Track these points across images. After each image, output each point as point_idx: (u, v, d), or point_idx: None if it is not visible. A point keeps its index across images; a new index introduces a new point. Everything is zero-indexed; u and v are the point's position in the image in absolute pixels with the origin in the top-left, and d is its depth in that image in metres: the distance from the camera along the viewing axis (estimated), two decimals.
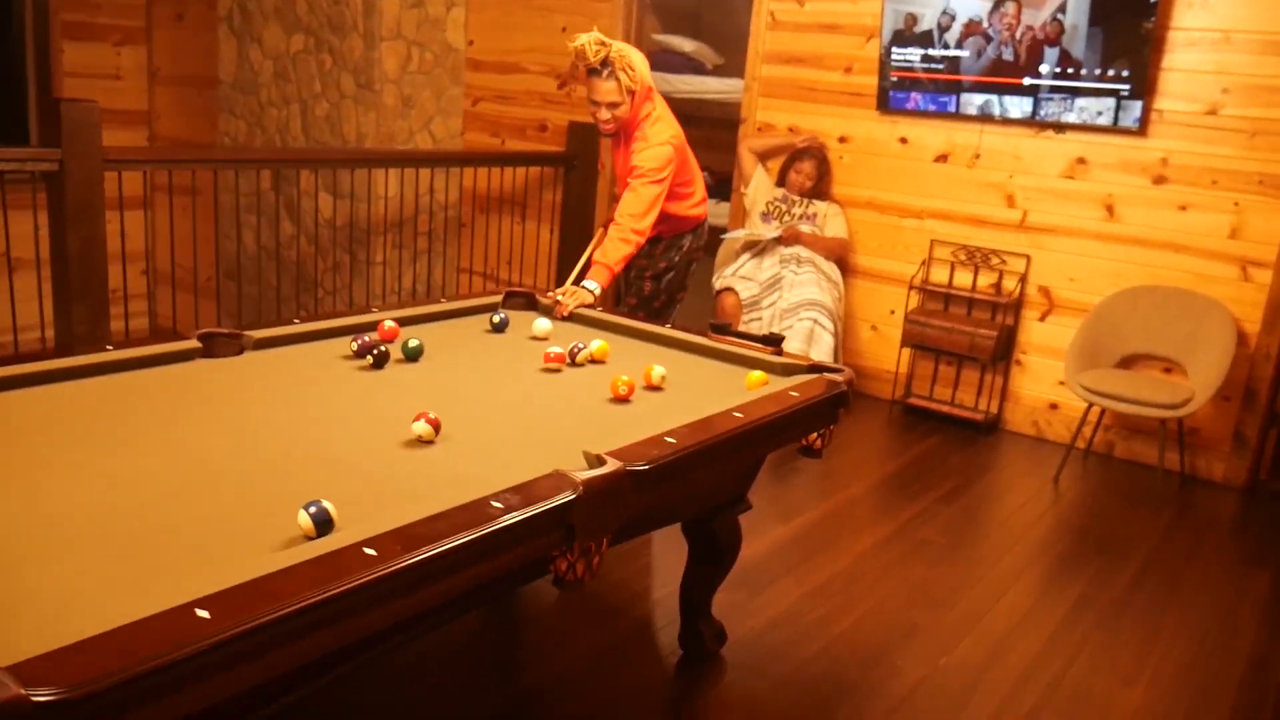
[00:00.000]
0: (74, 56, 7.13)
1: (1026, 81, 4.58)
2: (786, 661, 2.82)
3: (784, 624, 3.01)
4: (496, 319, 2.92)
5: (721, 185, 8.54)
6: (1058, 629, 3.12)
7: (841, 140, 5.20)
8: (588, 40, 3.48)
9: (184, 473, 1.79)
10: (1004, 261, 4.84)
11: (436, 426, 2.01)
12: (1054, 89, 4.52)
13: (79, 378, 2.18)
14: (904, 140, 5.03)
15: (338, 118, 6.14)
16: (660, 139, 3.61)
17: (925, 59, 4.82)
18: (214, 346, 2.46)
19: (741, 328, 4.75)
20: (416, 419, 2.01)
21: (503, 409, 2.27)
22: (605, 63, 3.47)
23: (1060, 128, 4.59)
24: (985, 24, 4.62)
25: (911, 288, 4.99)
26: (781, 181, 5.18)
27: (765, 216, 5.08)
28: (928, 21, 4.77)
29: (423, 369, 2.51)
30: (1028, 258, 4.78)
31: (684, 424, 2.14)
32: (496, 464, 1.93)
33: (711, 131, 8.51)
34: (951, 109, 4.82)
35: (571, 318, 3.10)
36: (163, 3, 7.67)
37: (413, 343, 2.54)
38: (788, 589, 3.21)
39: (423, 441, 2.01)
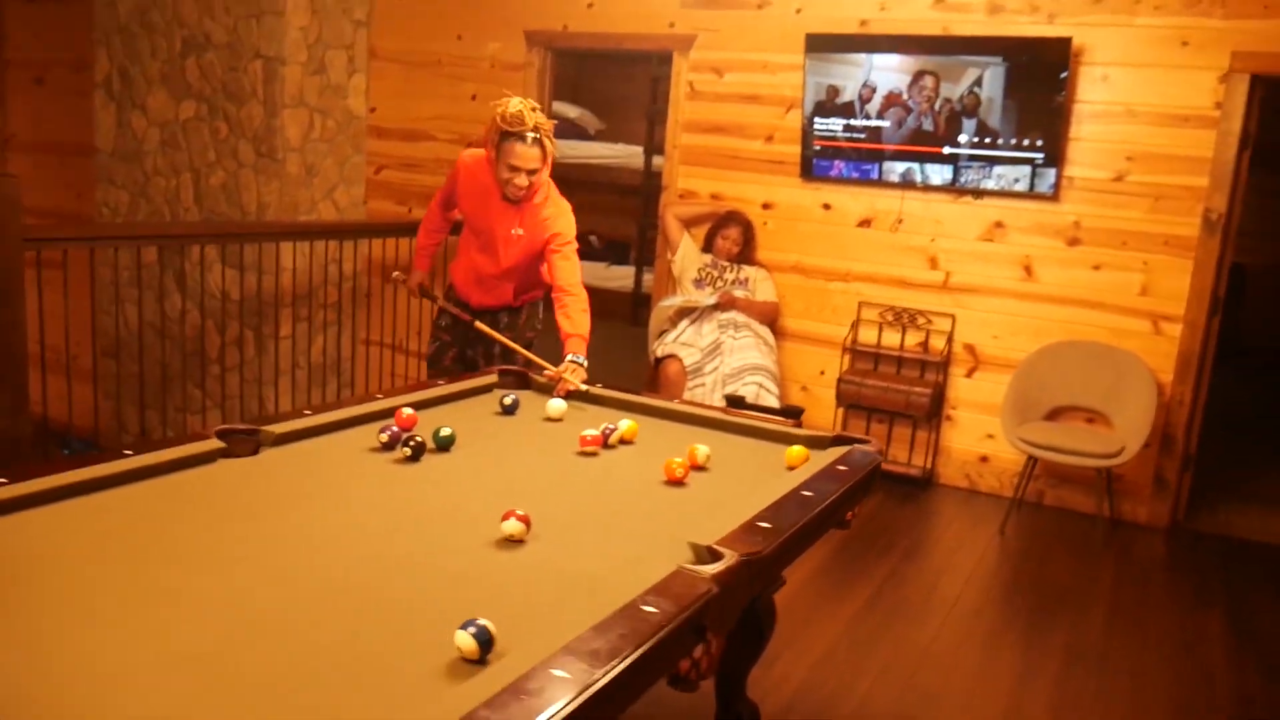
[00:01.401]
0: None
1: (946, 150, 4.81)
2: None
3: (805, 698, 2.98)
4: (508, 401, 2.81)
5: (611, 249, 8.62)
6: (1058, 680, 3.20)
7: (765, 206, 5.31)
8: (523, 105, 3.47)
9: (285, 593, 1.62)
10: (930, 321, 5.02)
11: (528, 524, 1.90)
12: (972, 157, 4.76)
13: (105, 489, 1.96)
14: (827, 206, 5.17)
15: (235, 187, 5.85)
16: (567, 206, 3.71)
17: (847, 129, 4.99)
18: (232, 445, 2.27)
19: (686, 395, 4.75)
20: (506, 517, 1.90)
21: (570, 499, 2.17)
22: (534, 129, 3.46)
23: (979, 194, 4.83)
24: (905, 96, 4.84)
25: (845, 349, 5.11)
26: (708, 248, 5.23)
27: (698, 283, 5.11)
28: (849, 93, 4.95)
29: (460, 459, 2.38)
30: (953, 317, 4.97)
31: (764, 508, 2.09)
32: (600, 560, 1.85)
33: (596, 195, 8.58)
34: (874, 176, 5.00)
35: (568, 395, 3.01)
36: (18, 66, 7.19)
37: (444, 431, 2.41)
38: (795, 661, 3.18)
39: (513, 540, 1.89)
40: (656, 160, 7.88)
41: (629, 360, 6.82)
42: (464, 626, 1.45)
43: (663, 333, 5.16)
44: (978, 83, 4.68)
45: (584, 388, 2.99)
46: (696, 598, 1.66)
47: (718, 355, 4.85)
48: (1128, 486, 4.74)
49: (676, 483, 2.32)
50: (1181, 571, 4.28)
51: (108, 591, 1.56)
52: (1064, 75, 4.50)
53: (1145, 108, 4.51)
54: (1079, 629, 3.60)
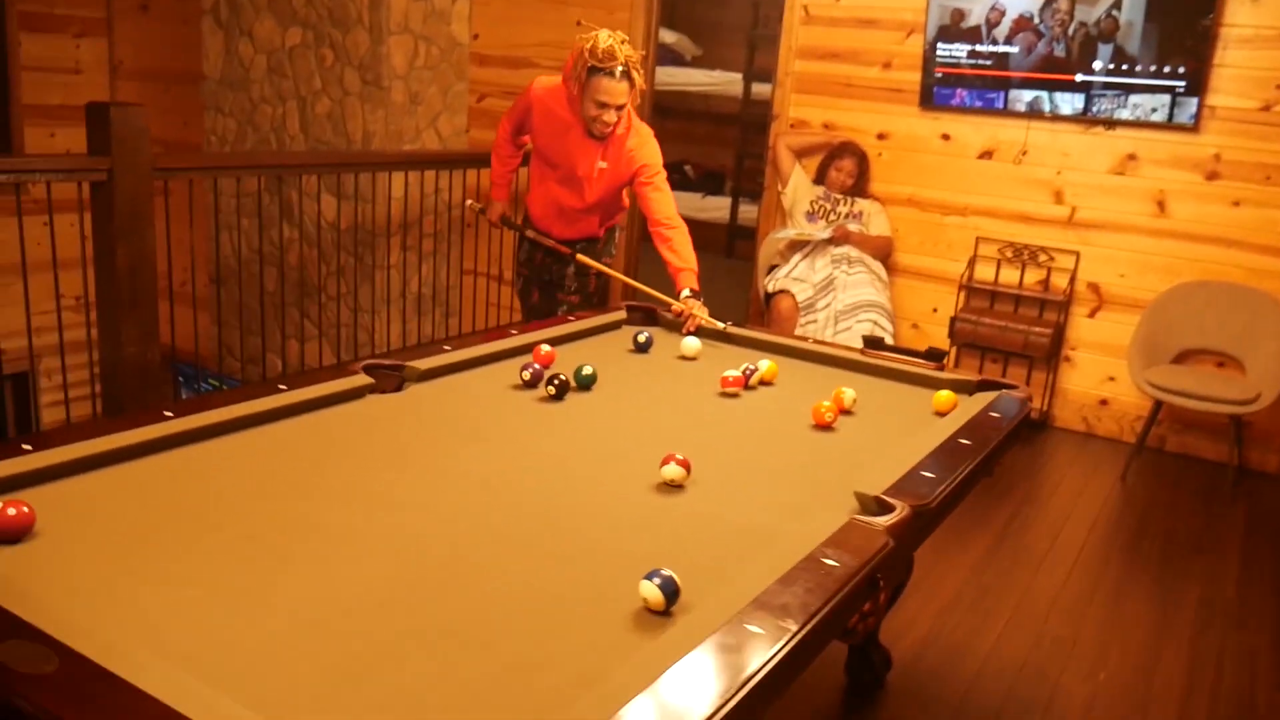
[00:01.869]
0: (30, 49, 6.68)
1: (1079, 78, 4.57)
2: (952, 686, 2.74)
3: (933, 645, 2.93)
4: (642, 338, 2.77)
5: (707, 179, 8.47)
6: (1194, 635, 3.11)
7: (880, 137, 5.13)
8: (614, 40, 3.36)
9: (461, 536, 1.61)
10: (1052, 258, 4.83)
11: (688, 468, 1.87)
12: (1107, 85, 4.52)
13: (265, 423, 1.97)
14: (946, 136, 4.98)
15: (341, 115, 5.85)
16: (649, 133, 3.62)
17: (972, 55, 4.77)
18: (379, 380, 2.27)
19: (798, 330, 4.66)
20: (666, 462, 1.86)
21: (721, 442, 2.12)
22: (624, 62, 3.35)
23: (1111, 124, 4.60)
24: (1036, 20, 4.60)
25: (961, 286, 4.95)
26: (820, 179, 5.09)
27: (810, 216, 4.99)
28: (975, 17, 4.72)
29: (602, 398, 2.35)
30: (1077, 254, 4.78)
31: (923, 456, 2.03)
32: (766, 508, 1.81)
33: (690, 124, 8.43)
34: (999, 105, 4.78)
35: (698, 331, 2.95)
36: None
37: (586, 370, 2.38)
38: (921, 608, 3.12)
39: (674, 485, 1.86)
40: (756, 87, 7.69)
41: (727, 293, 6.73)
42: (649, 577, 1.42)
43: (773, 267, 5.06)
44: (1116, 5, 4.41)
45: (717, 324, 2.92)
46: (875, 551, 1.61)
47: (831, 291, 4.74)
48: (1257, 434, 4.55)
49: (825, 427, 2.26)
50: None
51: (284, 530, 1.57)
52: None
53: None
54: (1212, 581, 3.49)
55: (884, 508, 1.78)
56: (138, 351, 3.59)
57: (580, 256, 3.74)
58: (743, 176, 8.11)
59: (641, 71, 3.42)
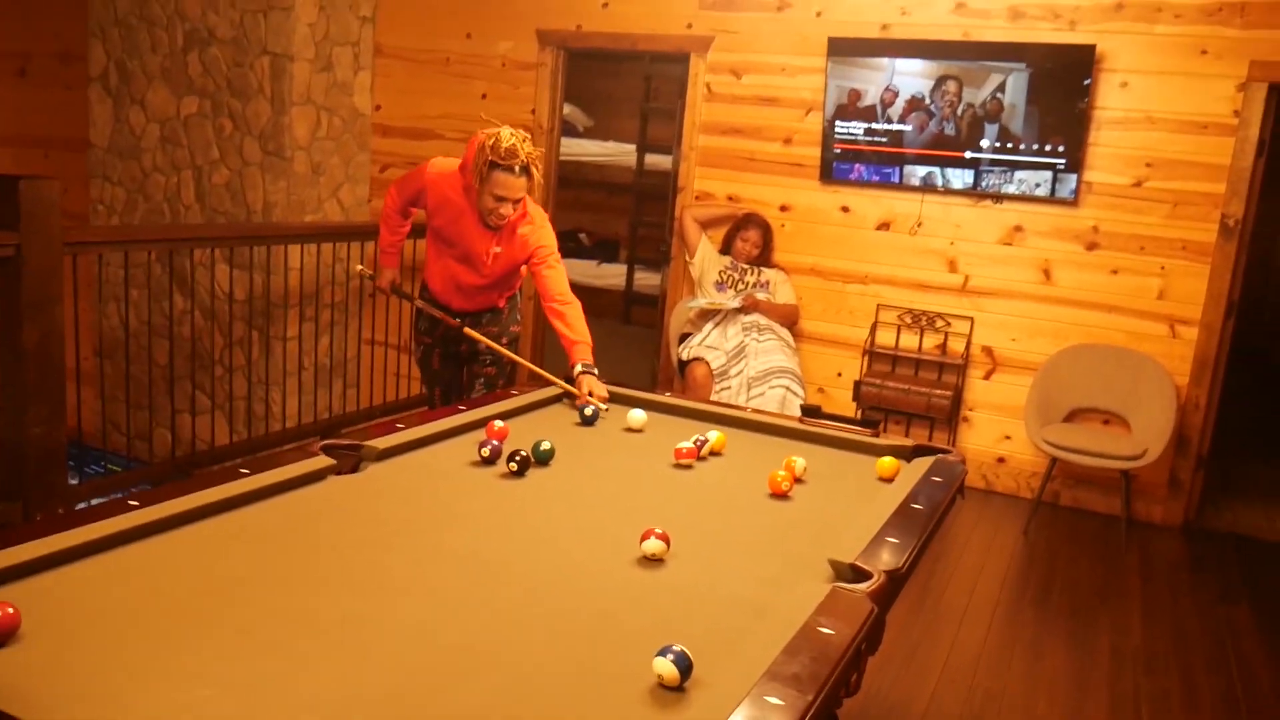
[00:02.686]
0: None
1: (968, 155, 4.86)
2: None
3: (873, 702, 3.01)
4: (589, 411, 2.80)
5: (601, 247, 8.59)
6: (1111, 682, 3.27)
7: (783, 209, 5.33)
8: (516, 138, 3.37)
9: (453, 619, 1.60)
10: (948, 324, 5.08)
11: (668, 542, 1.90)
12: (994, 162, 4.82)
13: (233, 508, 1.92)
14: (846, 209, 5.21)
15: (240, 186, 5.74)
16: (544, 216, 3.70)
17: (869, 132, 5.03)
18: (337, 461, 2.23)
19: (713, 397, 4.76)
20: (646, 537, 1.89)
21: (687, 514, 2.17)
22: (524, 159, 3.38)
23: (999, 198, 4.89)
24: (928, 100, 4.88)
25: (864, 351, 5.15)
26: (727, 250, 5.24)
27: (720, 285, 5.12)
28: (870, 97, 4.99)
29: (563, 472, 2.37)
30: (971, 319, 5.04)
31: (884, 522, 2.11)
32: (746, 579, 1.86)
33: (585, 193, 8.56)
34: (895, 179, 5.04)
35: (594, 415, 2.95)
36: (1, 57, 6.98)
37: (545, 445, 2.39)
38: None
39: (654, 559, 1.89)
40: (650, 158, 7.88)
41: (627, 360, 6.82)
42: (662, 653, 1.44)
43: (685, 335, 5.16)
44: (1000, 88, 4.74)
45: (604, 407, 2.93)
46: (864, 617, 1.67)
47: (743, 358, 4.86)
48: (1143, 486, 4.84)
49: (782, 495, 2.32)
50: (1204, 569, 4.38)
51: (282, 621, 1.53)
52: (1087, 82, 4.58)
53: (1165, 114, 4.60)
54: (1119, 629, 3.68)
55: (859, 575, 1.85)
56: (44, 433, 3.43)
57: (467, 330, 3.72)
58: (638, 244, 8.26)
59: (539, 167, 3.45)
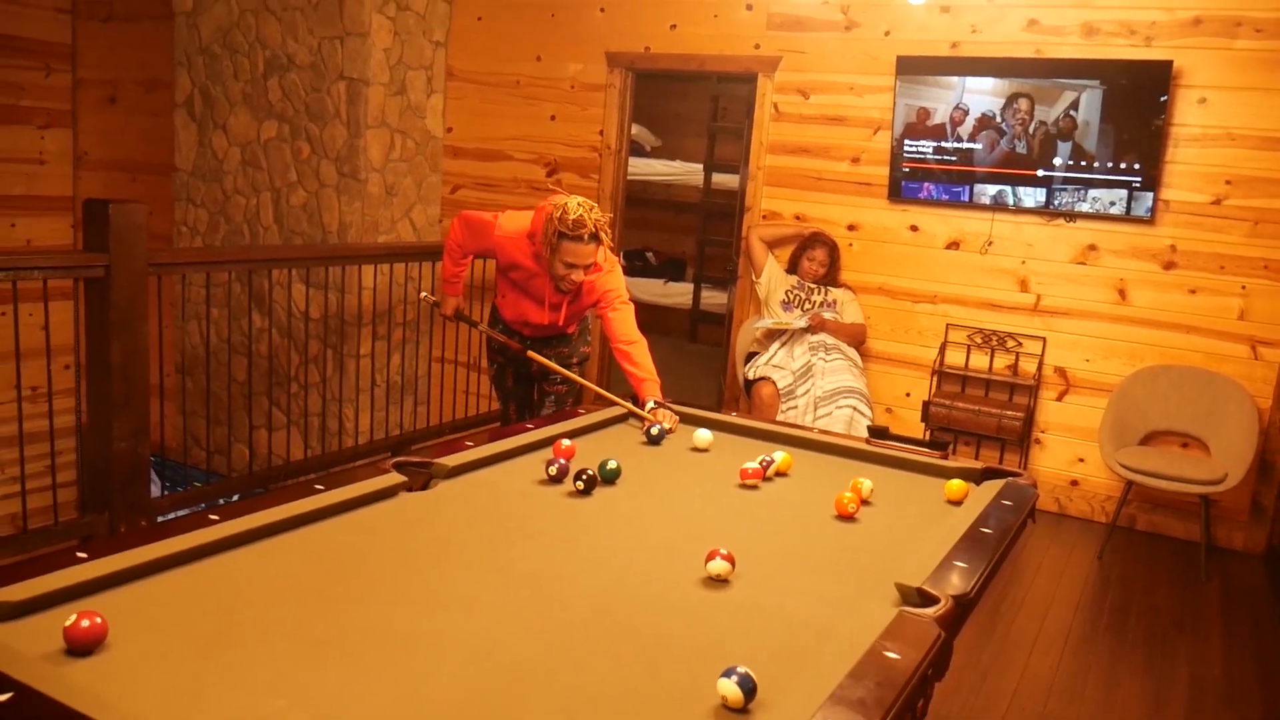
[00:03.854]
0: None
1: (1040, 173, 4.79)
2: None
3: (935, 715, 2.97)
4: (655, 431, 2.82)
5: (668, 266, 8.62)
6: (1189, 715, 3.17)
7: (850, 228, 5.31)
8: (583, 209, 3.38)
9: (522, 636, 1.63)
10: (1020, 344, 5.00)
11: (733, 563, 1.91)
12: (1067, 180, 4.75)
13: (308, 524, 1.98)
14: (914, 228, 5.17)
15: (317, 207, 5.90)
16: (613, 261, 3.69)
17: (938, 150, 4.99)
18: (409, 477, 2.28)
19: (780, 417, 4.74)
20: (711, 557, 1.90)
21: (752, 534, 2.17)
22: (593, 227, 3.39)
23: (1072, 216, 4.81)
24: (998, 118, 4.83)
25: (932, 372, 5.10)
26: (793, 269, 5.23)
27: (786, 305, 5.11)
28: (940, 116, 4.95)
29: (627, 491, 2.39)
30: (1043, 339, 4.95)
31: (952, 546, 2.09)
32: (813, 601, 1.85)
33: (651, 212, 8.61)
34: (964, 198, 4.99)
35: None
36: (91, 85, 7.27)
37: (611, 464, 2.42)
38: None
39: (719, 580, 1.89)
40: (716, 177, 7.91)
41: (693, 377, 6.83)
42: (726, 674, 1.45)
43: (752, 355, 5.16)
44: (1074, 106, 4.67)
45: (670, 428, 2.93)
46: (931, 642, 1.66)
47: (810, 378, 4.84)
48: (1223, 512, 4.70)
49: (848, 517, 2.32)
50: None
51: (355, 635, 1.57)
52: (1164, 99, 4.49)
53: (1245, 131, 4.49)
54: (1199, 660, 3.57)
55: (926, 599, 1.84)
56: (129, 447, 3.55)
57: (532, 354, 3.76)
58: (705, 263, 8.29)
59: (608, 233, 3.46)
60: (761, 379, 4.91)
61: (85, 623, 1.44)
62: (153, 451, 6.33)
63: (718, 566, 1.90)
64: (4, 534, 5.10)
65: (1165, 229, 4.68)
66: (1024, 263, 4.97)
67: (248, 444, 6.25)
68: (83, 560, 1.66)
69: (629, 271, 7.92)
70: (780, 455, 2.63)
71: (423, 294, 4.26)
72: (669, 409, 3.07)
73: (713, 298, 8.06)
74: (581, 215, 3.36)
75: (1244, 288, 4.57)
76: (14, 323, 3.35)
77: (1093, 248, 4.83)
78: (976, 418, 4.87)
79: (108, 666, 1.41)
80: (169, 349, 6.24)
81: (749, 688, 1.44)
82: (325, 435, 5.69)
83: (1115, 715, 3.14)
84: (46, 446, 4.24)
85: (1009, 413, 4.82)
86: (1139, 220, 4.68)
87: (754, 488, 2.50)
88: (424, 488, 2.32)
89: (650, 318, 7.99)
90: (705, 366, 7.11)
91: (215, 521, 1.87)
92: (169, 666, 1.43)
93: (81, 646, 1.43)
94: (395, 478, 2.23)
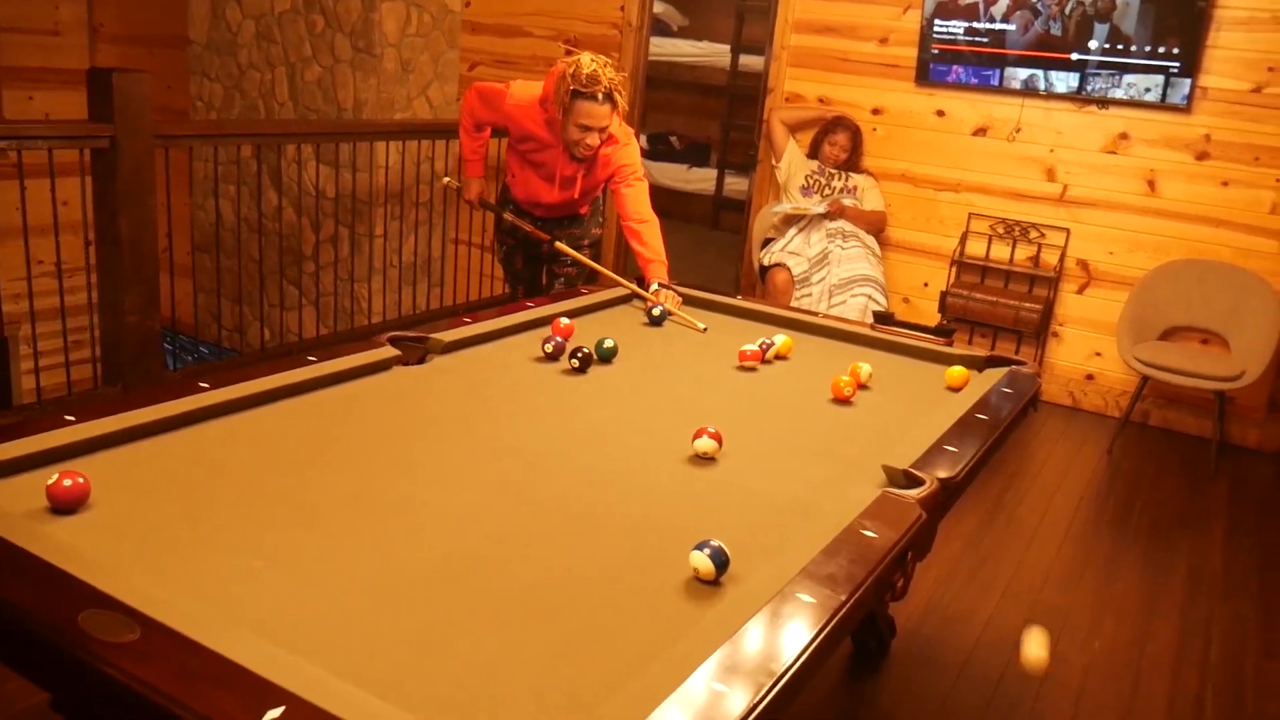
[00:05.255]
0: (7, 10, 6.55)
1: (1074, 57, 4.61)
2: (954, 653, 2.81)
3: (934, 614, 3.01)
4: (657, 312, 2.80)
5: (692, 151, 8.46)
6: (1184, 606, 3.20)
7: (875, 112, 5.16)
8: (597, 64, 3.28)
9: (508, 507, 1.64)
10: (1043, 235, 4.90)
11: (720, 441, 1.90)
12: (1102, 64, 4.57)
13: (299, 394, 1.98)
14: (941, 113, 5.02)
15: (332, 83, 5.79)
16: (628, 134, 3.58)
17: (969, 31, 4.80)
18: (404, 352, 2.28)
19: (793, 303, 4.70)
20: (698, 435, 1.90)
21: (745, 416, 2.16)
22: (607, 86, 3.28)
23: (1105, 103, 4.65)
24: None
25: (952, 262, 5.01)
26: (814, 154, 5.11)
27: (805, 190, 5.01)
28: None
29: (624, 370, 2.38)
30: (1067, 231, 4.84)
31: (944, 431, 2.08)
32: (798, 481, 1.85)
33: (677, 94, 8.41)
34: (994, 82, 4.82)
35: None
36: None
37: (608, 343, 2.41)
38: (920, 578, 3.15)
39: (705, 458, 1.89)
40: (744, 59, 7.68)
41: (714, 265, 6.77)
42: (699, 547, 1.46)
43: (768, 240, 5.09)
44: None
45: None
46: (910, 523, 1.66)
47: (826, 265, 4.78)
48: (1239, 410, 4.65)
49: (844, 401, 2.30)
50: None
51: (340, 502, 1.59)
52: None
53: None
54: (1199, 554, 3.58)
55: (912, 481, 1.83)
56: (139, 320, 3.58)
57: (559, 245, 3.70)
58: (729, 148, 8.11)
59: (624, 93, 3.36)
60: (777, 265, 4.85)
61: (67, 482, 1.46)
62: (171, 328, 6.41)
63: (704, 444, 1.89)
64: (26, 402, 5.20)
65: (1201, 117, 4.51)
66: (1052, 151, 4.83)
67: (261, 322, 6.29)
68: (70, 423, 1.67)
69: (651, 156, 7.78)
70: (781, 339, 2.60)
71: (445, 179, 4.19)
72: (673, 290, 3.03)
73: (736, 184, 7.92)
74: (596, 71, 3.27)
75: (1279, 181, 4.42)
76: (20, 194, 3.33)
77: (1124, 136, 4.67)
78: (994, 309, 4.80)
79: (89, 525, 1.44)
80: (183, 225, 6.24)
81: (720, 560, 1.45)
82: (339, 315, 5.70)
83: (1111, 605, 3.17)
84: (69, 322, 4.29)
85: (1027, 305, 4.75)
86: (1174, 108, 4.51)
87: (752, 369, 2.48)
88: (420, 363, 2.32)
89: (672, 204, 7.88)
90: (726, 254, 7.03)
91: (205, 389, 1.88)
92: (149, 526, 1.46)
93: (63, 505, 1.46)
94: (389, 351, 2.22)
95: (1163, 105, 4.51)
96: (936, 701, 2.61)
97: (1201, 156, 4.54)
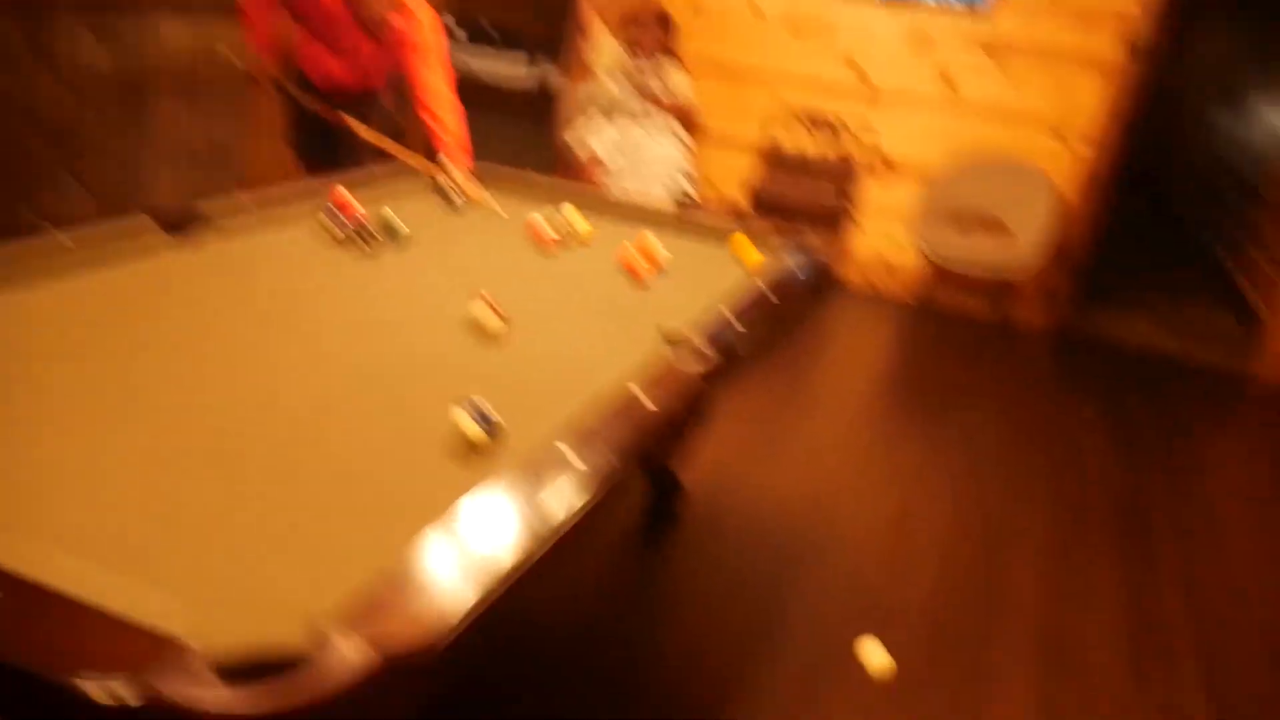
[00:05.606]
0: None
1: None
2: (744, 518, 2.95)
3: (726, 484, 3.12)
4: (448, 191, 2.71)
5: (507, 38, 8.19)
6: (960, 471, 3.42)
7: (689, 3, 5.12)
8: None
9: (279, 384, 1.57)
10: (847, 127, 5.02)
11: (496, 310, 1.87)
12: None
13: (60, 277, 1.83)
14: (753, 6, 5.02)
15: None
16: (423, 5, 3.29)
17: None
18: (176, 230, 2.13)
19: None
20: (473, 300, 1.87)
21: (536, 293, 2.13)
22: None
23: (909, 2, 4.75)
24: None
25: (762, 154, 5.08)
26: (626, 41, 5.04)
27: (615, 77, 4.95)
28: None
29: (413, 250, 2.31)
30: (870, 125, 4.98)
31: (731, 306, 2.11)
32: (580, 352, 1.85)
33: None
34: None
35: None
36: None
37: (393, 220, 2.32)
38: (713, 453, 3.25)
39: (484, 327, 1.86)
40: None
41: (524, 153, 6.62)
42: (463, 407, 1.45)
43: (578, 128, 5.02)
44: None
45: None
46: (684, 388, 1.68)
47: (635, 152, 4.76)
48: (1021, 294, 4.96)
49: (634, 275, 2.30)
50: (1067, 374, 4.56)
51: (91, 387, 1.49)
52: None
53: None
54: (976, 424, 3.84)
55: (693, 351, 1.86)
56: None
57: (350, 121, 3.45)
58: (553, 38, 7.90)
59: None
60: (584, 149, 4.80)
61: None
62: None
63: (478, 310, 1.86)
64: None
65: (1000, 19, 4.67)
66: (858, 46, 4.92)
67: (37, 211, 5.80)
68: None
69: (465, 42, 7.50)
70: (571, 212, 2.57)
71: (224, 49, 3.81)
72: (465, 172, 2.93)
73: (549, 72, 7.74)
74: None
75: (1067, 83, 4.65)
76: None
77: (925, 34, 4.80)
78: (801, 199, 4.91)
79: None
80: None
81: (478, 414, 1.44)
82: (139, 208, 5.31)
83: (889, 473, 3.36)
84: None
85: (831, 195, 4.88)
86: (974, 9, 4.66)
87: (542, 247, 2.45)
88: (191, 237, 2.17)
89: (488, 98, 7.65)
90: (537, 142, 6.91)
91: None
92: None
93: None
94: (157, 230, 2.07)
95: (965, 6, 4.65)
96: (730, 560, 2.72)
97: (998, 56, 4.72)
